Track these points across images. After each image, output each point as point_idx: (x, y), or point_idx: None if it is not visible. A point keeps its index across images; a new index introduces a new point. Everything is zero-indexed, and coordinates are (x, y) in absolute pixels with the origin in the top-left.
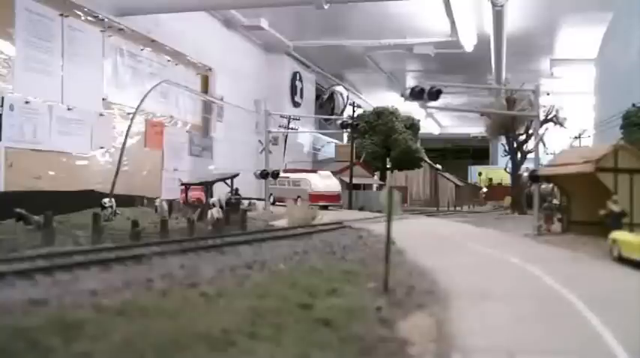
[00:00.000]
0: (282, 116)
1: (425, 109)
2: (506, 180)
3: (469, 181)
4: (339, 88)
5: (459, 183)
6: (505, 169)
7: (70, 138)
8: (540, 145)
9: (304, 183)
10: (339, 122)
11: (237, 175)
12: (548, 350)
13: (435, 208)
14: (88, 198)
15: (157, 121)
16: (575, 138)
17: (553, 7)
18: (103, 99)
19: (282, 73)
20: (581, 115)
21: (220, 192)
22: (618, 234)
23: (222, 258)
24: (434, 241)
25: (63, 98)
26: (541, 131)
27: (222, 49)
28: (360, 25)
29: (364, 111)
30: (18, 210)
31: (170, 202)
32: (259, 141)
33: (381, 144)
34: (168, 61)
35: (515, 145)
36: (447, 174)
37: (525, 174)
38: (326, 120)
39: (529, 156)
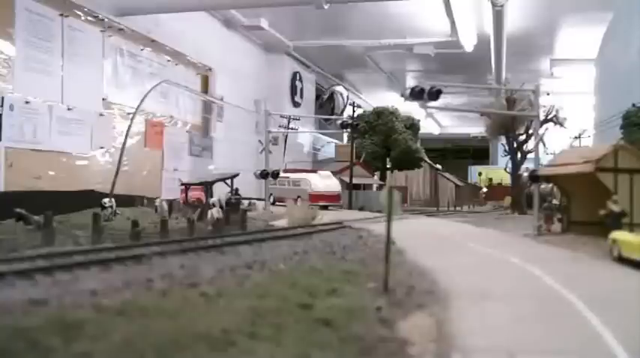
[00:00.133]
0: (282, 116)
1: (425, 109)
2: (507, 180)
3: (469, 181)
4: (339, 88)
5: (459, 183)
6: (505, 169)
7: (70, 138)
8: (540, 145)
9: (304, 183)
10: (339, 122)
11: (237, 175)
12: (548, 350)
13: (435, 208)
14: (88, 198)
15: (157, 121)
16: (575, 138)
17: (553, 7)
18: (103, 99)
19: (282, 73)
20: (581, 115)
21: (220, 192)
22: (618, 234)
23: (222, 258)
24: (434, 241)
25: (63, 98)
26: (541, 131)
27: (222, 49)
28: (360, 25)
29: (364, 111)
30: (18, 210)
31: (170, 202)
32: (259, 141)
33: (381, 144)
34: (168, 61)
35: (515, 145)
36: (447, 174)
37: (525, 174)
38: (326, 120)
39: (529, 156)
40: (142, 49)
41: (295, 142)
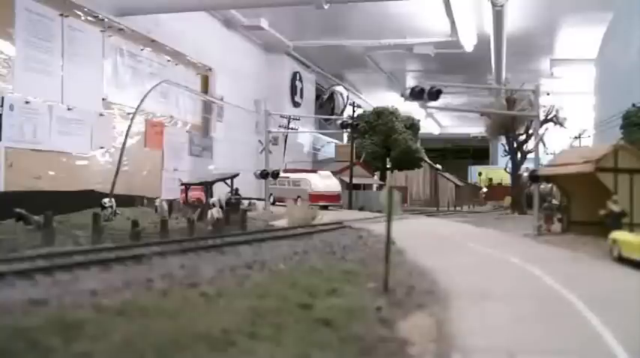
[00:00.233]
0: (282, 116)
1: (425, 109)
2: (506, 180)
3: (469, 181)
4: (339, 88)
5: (459, 183)
6: (505, 169)
7: (70, 138)
8: (540, 145)
9: (304, 183)
10: (339, 122)
11: (237, 175)
12: (548, 350)
13: (435, 208)
14: (88, 198)
15: (157, 121)
16: (575, 138)
17: (553, 7)
18: (103, 99)
19: (282, 73)
20: (581, 115)
21: (220, 192)
22: (618, 234)
23: (222, 258)
24: (434, 241)
25: (63, 98)
26: (541, 131)
27: (222, 49)
28: (360, 25)
29: (364, 111)
30: (18, 210)
31: (170, 202)
32: (259, 141)
33: (381, 144)
34: (168, 61)
35: (515, 145)
36: (447, 174)
37: (525, 174)
38: (326, 120)
39: (529, 156)
40: (142, 49)
41: (295, 142)
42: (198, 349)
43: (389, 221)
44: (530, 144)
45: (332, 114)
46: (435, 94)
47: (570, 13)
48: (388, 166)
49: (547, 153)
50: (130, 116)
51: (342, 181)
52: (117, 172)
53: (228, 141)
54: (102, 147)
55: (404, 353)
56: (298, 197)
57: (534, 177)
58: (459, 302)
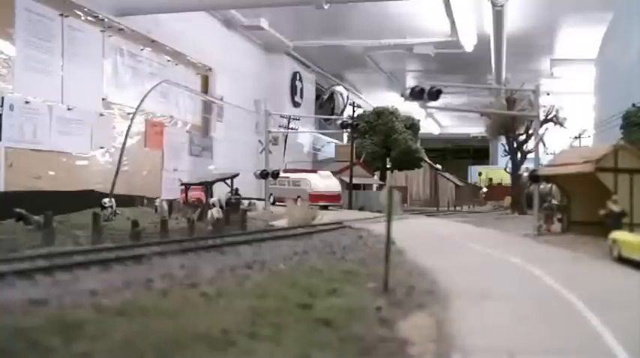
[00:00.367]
0: (282, 116)
1: (425, 109)
2: (507, 180)
3: (469, 181)
4: (339, 88)
5: (459, 183)
6: (505, 169)
7: (70, 138)
8: (540, 145)
9: (304, 183)
10: (339, 122)
11: (237, 175)
12: (548, 350)
13: (435, 208)
14: (88, 198)
15: (157, 121)
16: (575, 138)
17: (553, 7)
18: (103, 99)
19: (282, 73)
20: (581, 115)
21: (220, 192)
22: (618, 234)
23: (222, 258)
24: (434, 241)
25: (63, 98)
26: (541, 131)
27: (222, 49)
28: (360, 25)
29: (364, 111)
30: (18, 210)
31: (170, 202)
32: (259, 141)
33: (381, 144)
34: (168, 61)
35: (515, 145)
36: (447, 174)
37: (525, 174)
38: (326, 120)
39: (529, 156)
40: (142, 49)
41: (295, 142)
42: (198, 349)
43: (389, 221)
44: (530, 144)
45: (332, 114)
46: (435, 94)
47: (570, 13)
48: (388, 166)
49: (547, 153)
50: (130, 116)
51: (342, 181)
52: (117, 172)
53: (228, 141)
54: (102, 147)
55: (404, 353)
56: (298, 197)
57: (534, 177)
58: (458, 302)
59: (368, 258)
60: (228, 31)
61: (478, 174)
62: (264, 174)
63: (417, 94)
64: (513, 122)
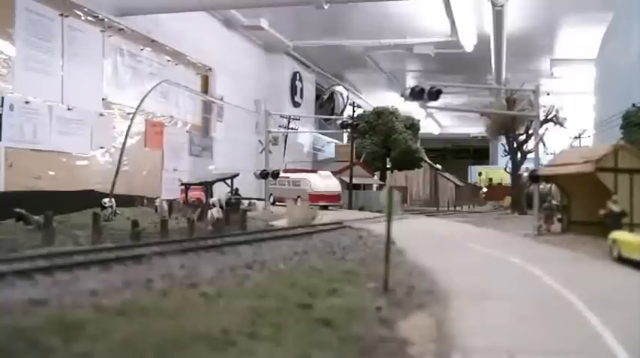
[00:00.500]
0: (282, 116)
1: (425, 109)
2: (506, 180)
3: (469, 181)
4: (339, 88)
5: (459, 183)
6: (505, 169)
7: (70, 138)
8: (540, 145)
9: (304, 183)
10: (339, 122)
11: (237, 175)
12: (548, 350)
13: (435, 208)
14: (88, 198)
15: (157, 121)
16: (575, 138)
17: (553, 7)
18: (103, 99)
19: (282, 73)
20: (581, 115)
21: (220, 192)
22: (618, 234)
23: (222, 258)
24: (434, 241)
25: (63, 98)
26: (541, 131)
27: (222, 49)
28: (360, 25)
29: (364, 111)
30: (18, 210)
31: (170, 202)
32: (259, 141)
33: (381, 144)
34: (168, 61)
35: (515, 145)
36: (447, 174)
37: (525, 174)
38: (326, 120)
39: (529, 156)
40: (142, 49)
41: (295, 142)
42: (198, 349)
43: (389, 221)
44: (530, 144)
45: (332, 114)
46: (435, 94)
47: (570, 13)
48: (388, 166)
49: (547, 153)
50: (130, 116)
51: (342, 181)
52: (117, 172)
53: (228, 141)
54: (102, 147)
55: (404, 353)
56: (298, 197)
57: (534, 177)
58: (458, 302)
59: (368, 258)
60: (228, 31)
61: (478, 174)
62: (264, 174)
63: (417, 94)
64: (513, 122)
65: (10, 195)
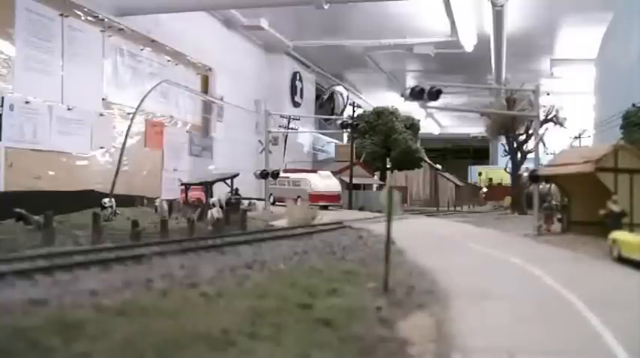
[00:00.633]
0: (282, 116)
1: (425, 109)
2: (506, 180)
3: (469, 181)
4: (339, 88)
5: (459, 183)
6: (505, 169)
7: (70, 138)
8: (540, 145)
9: (304, 183)
10: (339, 122)
11: (237, 175)
12: (548, 350)
13: (435, 208)
14: (88, 198)
15: (157, 121)
16: (575, 138)
17: (553, 7)
18: (103, 99)
19: (282, 73)
20: (581, 115)
21: (220, 192)
22: (618, 234)
23: (222, 258)
24: (434, 241)
25: (63, 98)
26: (541, 131)
27: (222, 49)
28: (360, 25)
29: (364, 111)
30: (18, 210)
31: (170, 202)
32: (259, 141)
33: (381, 144)
34: (169, 61)
35: (515, 145)
36: (447, 174)
37: (525, 174)
38: (326, 120)
39: (529, 156)
40: (142, 49)
41: (295, 142)
42: (198, 349)
43: (389, 221)
44: (530, 144)
45: (332, 114)
46: (435, 94)
47: (570, 13)
48: (388, 166)
49: (547, 153)
50: (130, 116)
51: (342, 181)
52: (117, 172)
53: (228, 141)
54: (102, 147)
55: (404, 353)
56: (298, 197)
57: (534, 177)
58: (458, 302)
59: (368, 258)
60: (228, 31)
61: (478, 174)
62: (264, 174)
63: (417, 94)
64: (513, 122)
65: (10, 195)
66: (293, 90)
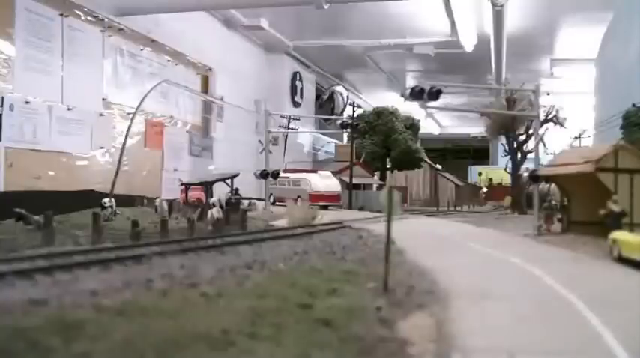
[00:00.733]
0: (282, 116)
1: (425, 109)
2: (506, 180)
3: (469, 181)
4: (339, 88)
5: (459, 183)
6: (505, 169)
7: (70, 138)
8: (540, 145)
9: (304, 183)
10: (339, 122)
11: (237, 175)
12: (548, 350)
13: (435, 208)
14: (88, 198)
15: (157, 121)
16: (575, 138)
17: (553, 7)
18: (103, 99)
19: (282, 73)
20: (581, 115)
21: (220, 192)
22: (618, 234)
23: (222, 258)
24: (434, 241)
25: (63, 98)
26: (541, 131)
27: (222, 49)
28: (360, 25)
29: (364, 111)
30: (18, 210)
31: (170, 202)
32: (259, 141)
33: (381, 144)
34: (169, 61)
35: (515, 145)
36: (447, 174)
37: (525, 174)
38: (326, 120)
39: (529, 156)
40: (142, 49)
41: (295, 142)
42: (198, 349)
43: (389, 221)
44: (530, 144)
45: (332, 114)
46: (435, 94)
47: (570, 13)
48: (388, 166)
49: (547, 153)
50: (130, 116)
51: (342, 181)
52: (117, 172)
53: (228, 141)
54: (102, 147)
55: (404, 353)
56: (298, 197)
57: (534, 177)
58: (458, 302)
59: (368, 258)
60: (228, 31)
61: (478, 174)
62: (264, 174)
63: (417, 94)
64: (513, 122)
65: (10, 195)
66: (293, 90)
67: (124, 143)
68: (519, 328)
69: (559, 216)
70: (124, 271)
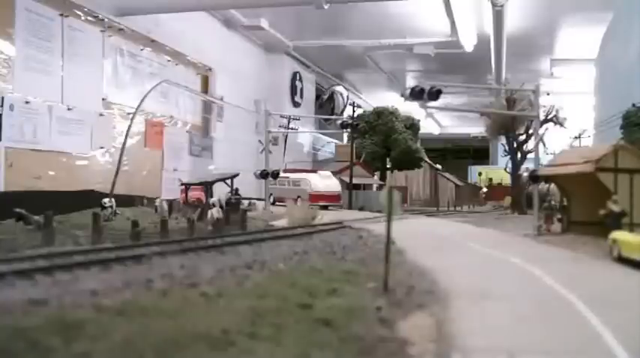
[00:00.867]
0: (282, 116)
1: (425, 109)
2: (506, 180)
3: (469, 181)
4: (339, 88)
5: (459, 183)
6: (505, 169)
7: (70, 138)
8: (540, 145)
9: (304, 183)
10: (339, 122)
11: (237, 175)
12: (548, 350)
13: (435, 208)
14: (88, 198)
15: (157, 121)
16: (575, 138)
17: (553, 7)
18: (103, 99)
19: (282, 73)
20: (581, 115)
21: (220, 192)
22: (618, 234)
23: (222, 258)
24: (434, 241)
25: (63, 98)
26: (541, 131)
27: (222, 49)
28: (360, 25)
29: (364, 111)
30: (18, 210)
31: (170, 202)
32: (259, 141)
33: (381, 144)
34: (169, 61)
35: (515, 145)
36: (447, 174)
37: (525, 174)
38: (326, 120)
39: (529, 156)
40: (142, 49)
41: (295, 142)
42: (198, 349)
43: (389, 221)
44: (530, 144)
45: (332, 114)
46: (435, 94)
47: (570, 13)
48: (388, 166)
49: (547, 153)
50: (130, 116)
51: (342, 181)
52: (117, 172)
53: (228, 141)
54: (102, 147)
55: (404, 353)
56: (298, 197)
57: (534, 177)
58: (458, 302)
59: (368, 258)
60: (228, 31)
61: (478, 174)
62: (264, 174)
63: (417, 94)
64: (513, 122)
65: (10, 195)
66: (293, 90)
67: (124, 143)
68: (519, 328)
69: (559, 216)
70: (124, 271)
